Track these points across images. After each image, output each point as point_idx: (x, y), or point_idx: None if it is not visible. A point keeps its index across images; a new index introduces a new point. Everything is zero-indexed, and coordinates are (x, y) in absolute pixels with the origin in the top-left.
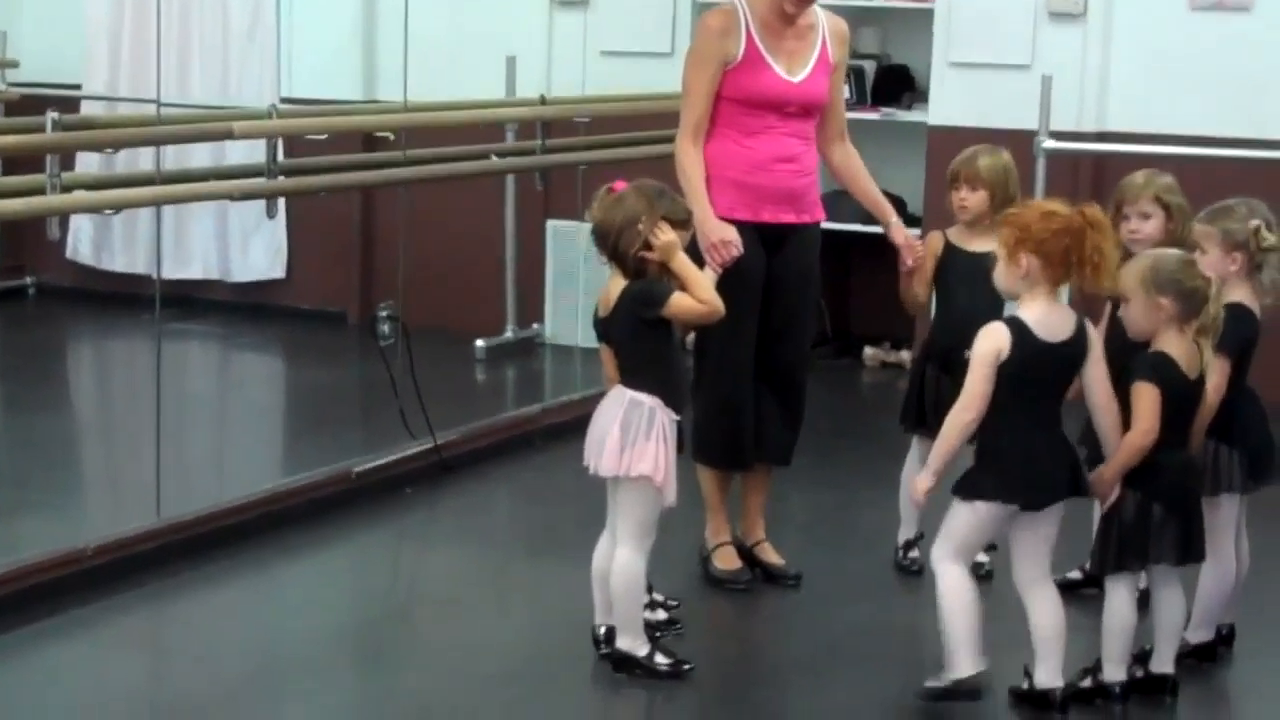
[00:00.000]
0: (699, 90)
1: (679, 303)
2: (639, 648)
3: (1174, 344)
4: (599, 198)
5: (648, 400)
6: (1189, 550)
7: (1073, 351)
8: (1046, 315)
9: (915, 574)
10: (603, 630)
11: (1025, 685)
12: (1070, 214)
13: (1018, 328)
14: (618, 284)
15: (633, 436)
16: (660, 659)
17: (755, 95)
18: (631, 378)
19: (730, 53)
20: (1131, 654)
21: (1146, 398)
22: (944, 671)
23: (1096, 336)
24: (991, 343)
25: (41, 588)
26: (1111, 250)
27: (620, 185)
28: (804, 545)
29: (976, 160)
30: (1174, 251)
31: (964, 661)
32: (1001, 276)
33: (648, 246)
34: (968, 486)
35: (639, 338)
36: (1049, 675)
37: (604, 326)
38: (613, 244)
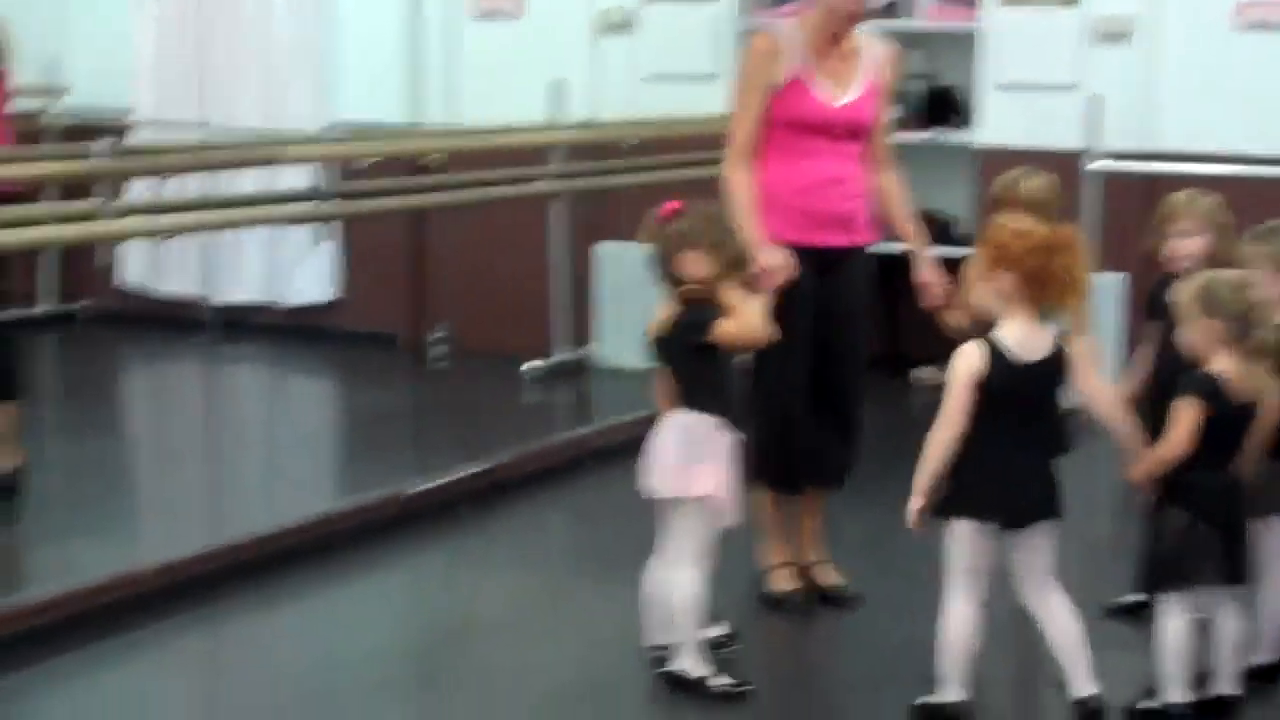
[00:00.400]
0: (747, 113)
1: (724, 329)
2: (698, 668)
3: (1226, 365)
4: (651, 220)
5: (708, 420)
6: (1234, 572)
7: (1049, 370)
8: (1024, 334)
9: None
10: (656, 651)
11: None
12: (1045, 232)
13: (992, 348)
14: (672, 307)
15: (693, 457)
16: (719, 680)
17: (803, 118)
18: (689, 399)
19: (778, 76)
20: (1193, 675)
21: (1185, 414)
22: (935, 691)
23: (1080, 351)
24: (966, 364)
25: (99, 610)
26: (1081, 271)
27: (672, 206)
28: (857, 566)
29: (1019, 184)
30: (1228, 272)
31: (949, 688)
32: (978, 293)
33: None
34: (944, 506)
35: (693, 362)
36: (1082, 684)
37: (659, 349)
38: (670, 268)
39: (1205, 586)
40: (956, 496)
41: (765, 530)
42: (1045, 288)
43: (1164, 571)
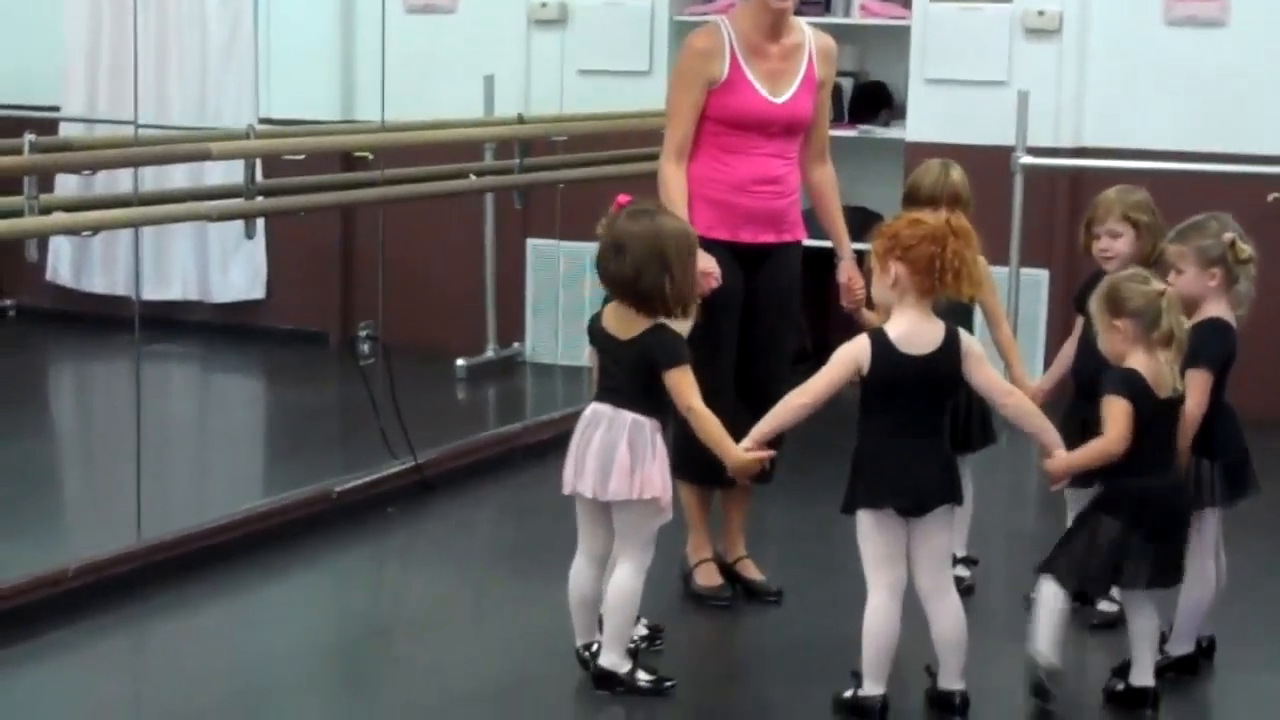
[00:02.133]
0: (683, 111)
1: (681, 382)
2: (621, 665)
3: (1142, 363)
4: (608, 219)
5: (648, 423)
6: (1164, 576)
7: (939, 363)
8: (914, 327)
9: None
10: (586, 651)
11: (931, 687)
12: (936, 222)
13: (880, 341)
14: (628, 313)
15: (640, 458)
16: (642, 676)
17: (738, 116)
18: (631, 401)
19: (714, 73)
20: (1110, 667)
21: (1117, 408)
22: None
23: (972, 344)
24: (850, 354)
25: (23, 610)
26: (973, 257)
27: (624, 200)
28: (783, 561)
29: (950, 173)
30: (1127, 272)
31: (869, 682)
32: (874, 287)
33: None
34: (846, 501)
35: (643, 372)
36: (951, 680)
37: (610, 342)
38: (633, 291)
39: (1130, 590)
40: (857, 489)
41: (690, 526)
42: (938, 277)
43: (1093, 579)
